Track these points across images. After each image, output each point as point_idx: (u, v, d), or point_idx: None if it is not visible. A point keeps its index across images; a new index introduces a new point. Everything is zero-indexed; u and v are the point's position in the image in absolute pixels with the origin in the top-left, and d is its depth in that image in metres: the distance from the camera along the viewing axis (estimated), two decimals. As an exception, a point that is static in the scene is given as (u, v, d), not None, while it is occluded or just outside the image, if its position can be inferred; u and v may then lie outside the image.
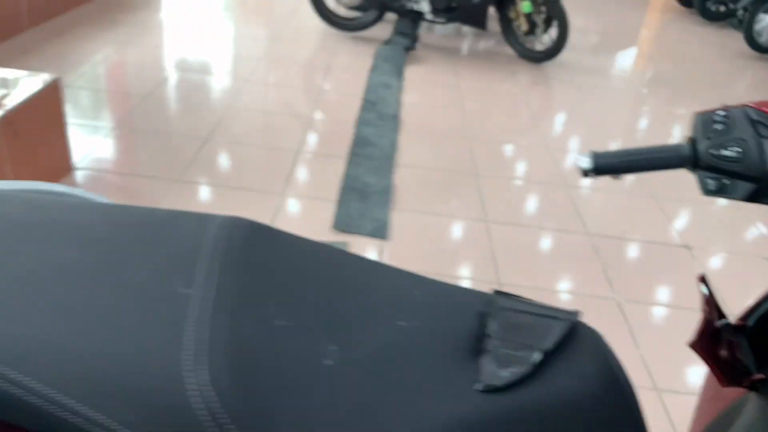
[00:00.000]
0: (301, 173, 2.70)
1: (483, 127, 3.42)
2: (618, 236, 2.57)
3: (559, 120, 3.73)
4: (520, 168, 3.06)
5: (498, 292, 0.74)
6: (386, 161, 2.88)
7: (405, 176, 2.78)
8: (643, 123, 3.88)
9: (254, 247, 0.68)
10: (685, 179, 3.14)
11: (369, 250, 2.25)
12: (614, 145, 3.44)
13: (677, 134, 3.70)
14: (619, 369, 0.67)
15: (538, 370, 0.63)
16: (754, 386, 0.72)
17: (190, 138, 2.84)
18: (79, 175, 2.43)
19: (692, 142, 0.77)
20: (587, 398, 0.64)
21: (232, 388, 0.52)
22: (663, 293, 2.27)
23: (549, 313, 0.71)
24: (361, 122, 3.23)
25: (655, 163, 0.80)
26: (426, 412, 0.58)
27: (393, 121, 3.30)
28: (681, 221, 2.77)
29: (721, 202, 2.98)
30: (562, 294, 2.18)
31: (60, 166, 2.37)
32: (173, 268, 0.62)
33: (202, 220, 0.71)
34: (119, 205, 0.73)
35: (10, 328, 0.53)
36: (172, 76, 3.50)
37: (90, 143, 2.65)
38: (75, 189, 0.80)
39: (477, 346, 0.65)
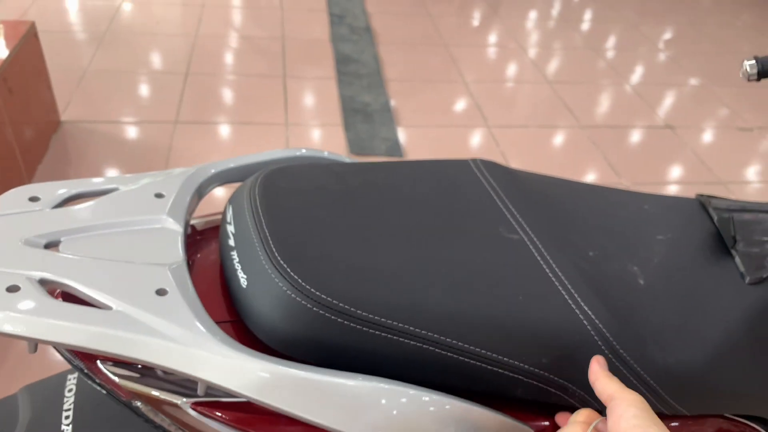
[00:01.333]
0: (297, 99, 2.62)
1: (456, 32, 3.40)
2: (608, 125, 2.70)
3: (530, 17, 3.75)
4: (503, 70, 3.09)
5: (702, 195, 0.82)
6: (375, 77, 2.84)
7: (397, 91, 2.76)
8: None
9: (518, 186, 0.72)
10: (654, 65, 3.29)
11: (390, 169, 2.26)
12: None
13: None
14: None
15: None
16: None
17: (168, 74, 2.67)
18: (70, 129, 2.26)
19: None
20: None
21: (610, 316, 0.58)
22: (661, 172, 2.44)
23: (761, 208, 0.79)
24: (336, 38, 3.13)
25: None
26: (721, 305, 0.66)
27: (367, 33, 3.22)
28: (659, 104, 2.92)
29: (693, 84, 3.16)
30: (579, 188, 2.30)
31: (50, 120, 2.20)
32: (485, 215, 0.65)
33: (458, 165, 0.74)
34: (380, 163, 0.73)
35: (409, 295, 0.54)
36: (123, 8, 3.22)
37: (66, 93, 2.45)
38: (316, 151, 0.79)
39: (725, 245, 0.73)
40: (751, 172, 2.52)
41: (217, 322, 0.55)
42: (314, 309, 0.51)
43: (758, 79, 0.88)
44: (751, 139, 2.74)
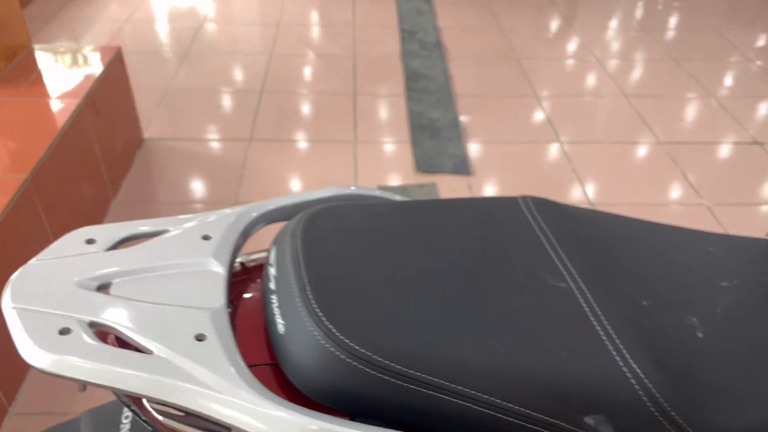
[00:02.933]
0: (366, 117, 2.66)
1: (528, 46, 3.35)
2: (689, 141, 2.57)
3: (607, 28, 3.64)
4: (578, 83, 3.02)
5: None
6: (444, 93, 2.84)
7: (467, 106, 2.75)
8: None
9: (569, 227, 0.70)
10: (743, 75, 3.11)
11: (457, 186, 2.25)
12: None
13: None
14: None
15: None
16: None
17: (243, 92, 2.78)
18: (152, 146, 2.39)
19: None
20: None
21: (662, 377, 0.55)
22: (746, 191, 2.30)
23: None
24: (406, 54, 3.15)
25: None
26: None
27: (437, 48, 3.22)
28: (747, 119, 2.76)
29: (782, 94, 2.96)
30: (655, 206, 2.21)
31: (134, 138, 2.33)
32: (531, 260, 0.64)
33: (506, 204, 0.72)
34: (425, 201, 0.73)
35: (447, 349, 0.54)
36: (204, 28, 3.38)
37: (148, 111, 2.59)
38: (366, 189, 0.80)
39: None
40: None
41: (257, 365, 0.57)
42: (348, 360, 0.52)
43: None
44: None
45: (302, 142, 2.48)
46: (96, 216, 1.98)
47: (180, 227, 0.65)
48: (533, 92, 2.90)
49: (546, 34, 3.52)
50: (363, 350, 0.52)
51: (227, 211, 0.69)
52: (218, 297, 0.57)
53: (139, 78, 2.82)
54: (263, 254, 0.73)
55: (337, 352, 0.52)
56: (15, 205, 1.46)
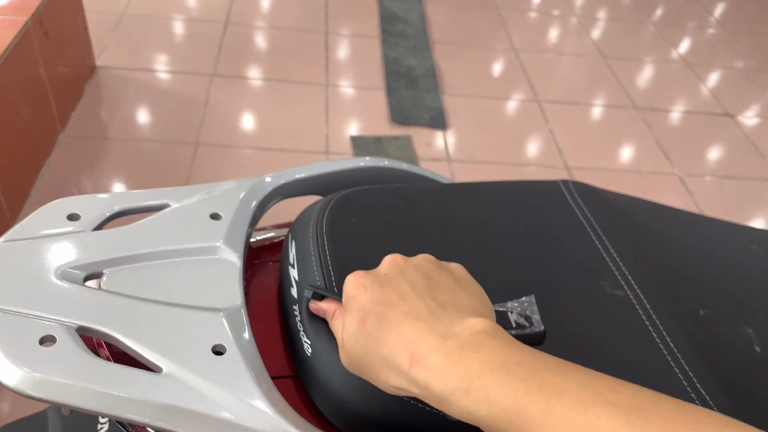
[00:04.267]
0: (338, 58, 2.50)
1: (506, -7, 3.21)
2: (664, 108, 2.55)
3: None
4: (557, 40, 2.93)
5: None
6: (421, 38, 2.70)
7: (444, 55, 2.63)
8: None
9: (619, 222, 0.63)
10: (716, 42, 3.09)
11: (432, 141, 2.16)
12: None
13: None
14: None
15: None
16: None
17: (206, 23, 2.56)
18: (105, 75, 2.18)
19: None
20: None
21: (726, 399, 0.49)
22: (718, 162, 2.30)
23: None
24: (382, -6, 2.97)
25: None
26: None
27: (414, -10, 3.05)
28: (719, 90, 2.75)
29: (750, 65, 2.96)
30: (628, 174, 2.18)
31: (85, 65, 2.11)
32: (585, 263, 0.57)
33: (547, 189, 0.65)
34: (461, 185, 0.65)
35: None
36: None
37: (102, 36, 2.36)
38: (397, 162, 0.70)
39: None
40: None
41: (277, 377, 0.48)
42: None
43: None
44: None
45: (270, 81, 2.31)
46: (41, 151, 1.80)
47: (182, 201, 0.54)
48: (511, 45, 2.79)
49: (525, -16, 3.38)
50: None
51: (236, 182, 0.58)
52: (235, 293, 0.48)
53: (92, 1, 2.56)
54: (275, 232, 0.63)
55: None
56: (-48, 137, 1.28)
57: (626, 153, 2.30)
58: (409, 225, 0.57)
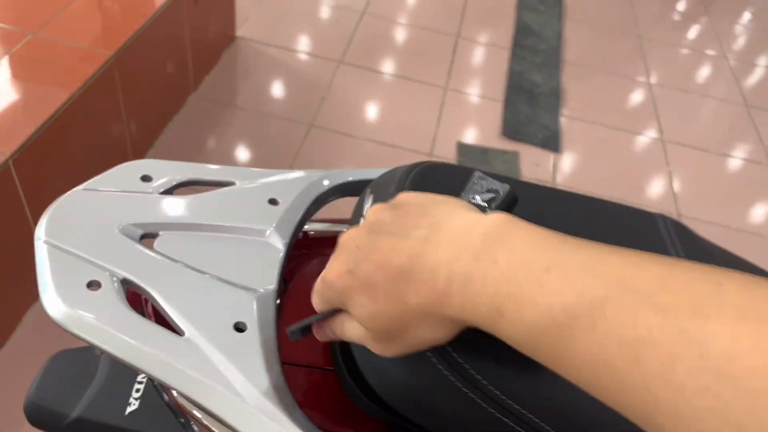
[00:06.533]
0: (463, 64, 2.50)
1: (653, 23, 3.06)
2: (808, 173, 2.33)
3: (745, 20, 3.29)
4: (695, 78, 2.75)
5: None
6: (552, 55, 2.64)
7: (572, 75, 2.55)
8: None
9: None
10: None
11: (541, 162, 2.11)
12: None
13: None
14: None
15: None
16: None
17: (344, 10, 2.65)
18: (242, 45, 2.32)
19: None
20: None
21: None
22: None
23: None
24: (522, 5, 2.93)
25: None
26: None
27: (557, 6, 2.98)
28: None
29: None
30: (747, 234, 2.02)
31: (226, 34, 2.26)
32: None
33: (643, 219, 0.62)
34: (552, 190, 0.63)
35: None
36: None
37: (245, 8, 2.51)
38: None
39: None
40: None
41: (303, 366, 0.51)
42: (456, 383, 0.42)
43: None
44: None
45: (392, 76, 2.36)
46: (172, 107, 1.95)
47: (246, 183, 0.57)
48: (647, 77, 2.66)
49: (675, 15, 3.20)
50: (476, 375, 0.43)
51: (302, 173, 0.61)
52: (271, 278, 0.50)
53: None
54: (330, 226, 0.65)
55: (447, 373, 0.42)
56: (96, 81, 1.42)
57: (750, 212, 2.13)
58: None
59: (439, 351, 0.41)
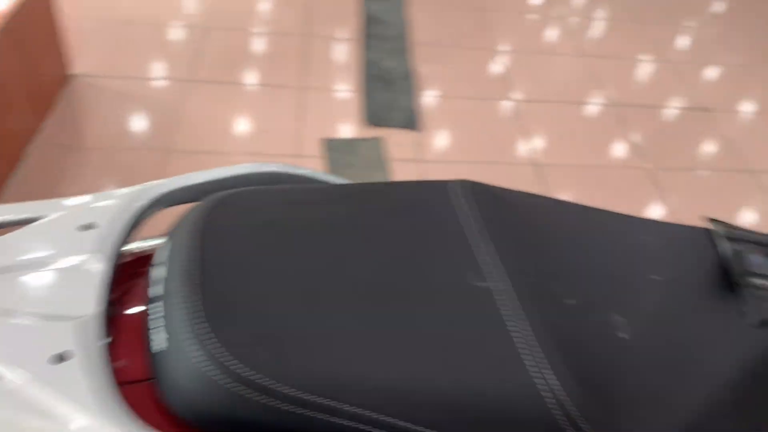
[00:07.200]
0: (318, 61, 2.53)
1: (489, -7, 3.22)
2: (641, 104, 2.55)
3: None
4: (537, 39, 2.93)
5: (714, 221, 0.74)
6: (401, 40, 2.71)
7: (424, 56, 2.64)
8: None
9: (500, 217, 0.65)
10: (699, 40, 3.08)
11: (403, 142, 2.17)
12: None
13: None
14: None
15: None
16: None
17: (183, 28, 2.60)
18: (80, 83, 2.22)
19: None
20: None
21: (578, 386, 0.52)
22: (693, 157, 2.30)
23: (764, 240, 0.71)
24: (365, -4, 2.99)
25: None
26: (715, 355, 0.60)
27: (397, -8, 3.07)
28: (694, 84, 2.75)
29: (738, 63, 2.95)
30: (601, 169, 2.19)
31: (60, 75, 2.15)
32: (452, 258, 0.59)
33: (433, 190, 0.67)
34: (349, 186, 0.67)
35: (348, 368, 0.48)
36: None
37: (79, 43, 2.40)
38: (290, 167, 0.72)
39: (729, 284, 0.65)
40: (792, 167, 2.36)
41: (138, 381, 0.50)
42: (233, 388, 0.45)
43: None
44: (797, 129, 2.56)
45: (248, 86, 2.34)
46: (11, 160, 1.83)
47: (54, 213, 0.56)
48: (494, 46, 2.80)
49: (510, -17, 3.39)
50: (252, 373, 0.46)
51: (117, 192, 0.61)
52: (91, 302, 0.50)
53: (68, 7, 2.60)
54: (154, 242, 0.65)
55: (220, 379, 0.45)
56: None
57: (598, 148, 2.30)
58: (287, 226, 0.59)
59: (234, 371, 0.44)
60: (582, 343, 0.57)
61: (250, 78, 2.38)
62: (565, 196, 2.07)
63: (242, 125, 2.16)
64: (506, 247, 0.61)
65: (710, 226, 0.73)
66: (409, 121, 2.27)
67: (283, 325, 0.50)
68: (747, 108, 2.63)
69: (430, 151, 2.16)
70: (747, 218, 2.09)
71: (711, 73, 2.85)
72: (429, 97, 2.42)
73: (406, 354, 0.51)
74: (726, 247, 0.68)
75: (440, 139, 2.23)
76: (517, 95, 2.50)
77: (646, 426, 0.54)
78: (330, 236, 0.59)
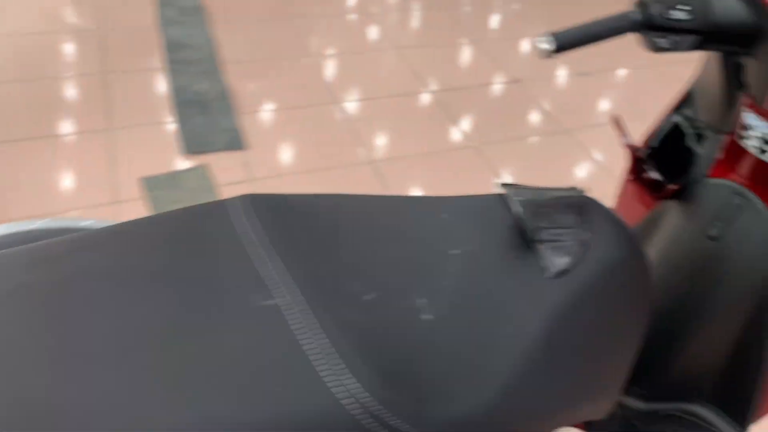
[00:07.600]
0: (121, 98, 2.35)
1: (302, 2, 3.19)
2: (460, 87, 2.65)
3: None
4: (352, 39, 2.95)
5: (505, 185, 0.74)
6: (210, 62, 2.61)
7: (239, 74, 2.55)
8: None
9: (285, 228, 0.60)
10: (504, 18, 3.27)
11: (231, 165, 2.08)
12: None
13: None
14: (628, 231, 0.70)
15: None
16: (673, 196, 0.87)
17: (-37, 85, 2.31)
18: None
19: (643, 6, 0.77)
20: (618, 265, 0.67)
21: (382, 383, 0.49)
22: (514, 128, 2.42)
23: (562, 194, 0.72)
24: (164, 22, 2.84)
25: (610, 32, 0.80)
26: (520, 314, 0.59)
27: (198, 13, 2.95)
28: (504, 60, 2.91)
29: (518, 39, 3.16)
30: (434, 155, 2.23)
31: None
32: (235, 278, 0.54)
33: (212, 213, 0.62)
34: (116, 226, 0.59)
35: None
36: None
37: None
38: (62, 220, 0.63)
39: (525, 242, 0.66)
40: (592, 116, 2.55)
41: None
42: None
43: (557, 53, 0.80)
44: (591, 83, 2.79)
45: (50, 139, 2.12)
46: None
47: None
48: (308, 52, 2.77)
49: (314, -11, 3.39)
50: None
51: None
52: None
53: None
54: None
55: None
56: None
57: (428, 135, 2.35)
58: (37, 290, 0.51)
59: None
60: (384, 335, 0.54)
61: (52, 130, 2.16)
62: (406, 189, 2.08)
63: (47, 186, 1.95)
64: (293, 257, 0.57)
65: (503, 190, 0.73)
66: (233, 141, 2.18)
67: (37, 406, 0.42)
68: (551, 74, 2.82)
69: (261, 169, 2.08)
70: (574, 173, 2.23)
71: (518, 46, 3.03)
72: (251, 114, 2.34)
73: (198, 399, 0.45)
74: (518, 208, 0.68)
75: (270, 155, 2.16)
76: (345, 97, 2.49)
77: (462, 400, 0.52)
78: (88, 287, 0.51)
